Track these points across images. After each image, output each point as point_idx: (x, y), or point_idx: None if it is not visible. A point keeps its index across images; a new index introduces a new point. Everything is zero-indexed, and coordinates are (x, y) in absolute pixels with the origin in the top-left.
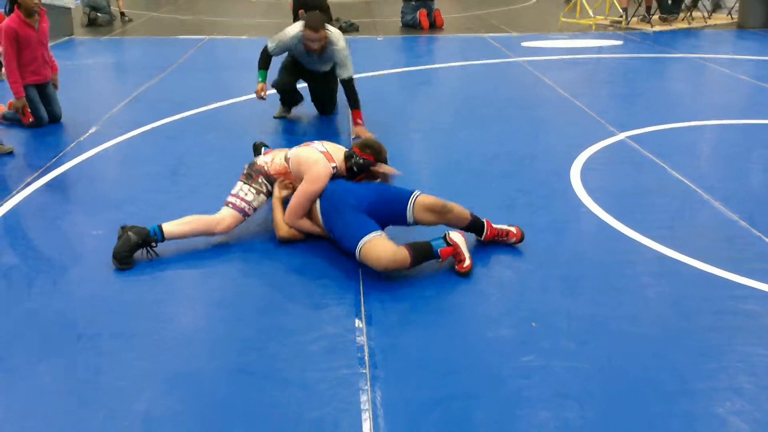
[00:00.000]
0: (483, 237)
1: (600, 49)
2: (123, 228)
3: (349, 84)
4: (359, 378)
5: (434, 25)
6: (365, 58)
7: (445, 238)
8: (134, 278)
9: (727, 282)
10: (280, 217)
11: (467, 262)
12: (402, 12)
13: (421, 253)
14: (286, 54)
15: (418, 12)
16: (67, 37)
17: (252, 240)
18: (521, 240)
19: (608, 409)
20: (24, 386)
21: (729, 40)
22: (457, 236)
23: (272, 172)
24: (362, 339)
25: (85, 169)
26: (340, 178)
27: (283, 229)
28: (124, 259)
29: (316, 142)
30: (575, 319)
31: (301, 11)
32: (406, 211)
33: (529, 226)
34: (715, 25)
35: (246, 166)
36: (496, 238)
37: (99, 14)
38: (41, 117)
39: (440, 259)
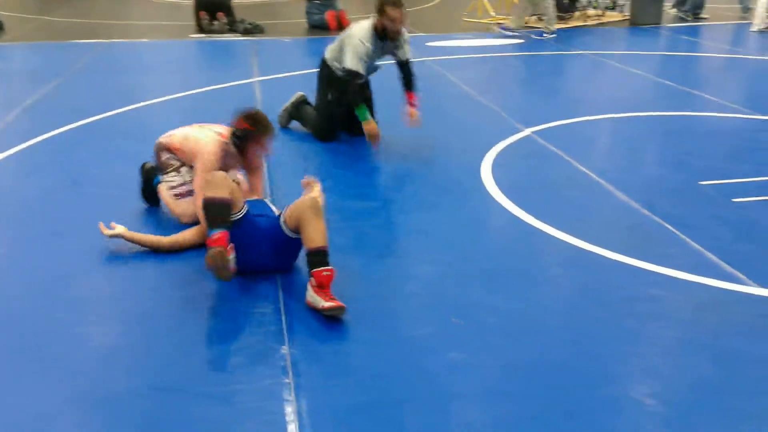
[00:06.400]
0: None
1: (503, 48)
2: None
3: (409, 65)
4: (283, 388)
5: (341, 26)
6: (273, 61)
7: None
8: (39, 298)
9: (634, 269)
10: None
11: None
12: (307, 12)
13: None
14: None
15: (326, 12)
16: None
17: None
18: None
19: (536, 400)
20: None
21: (623, 36)
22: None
23: (172, 146)
24: (284, 348)
25: None
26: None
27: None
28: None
29: (214, 125)
30: (495, 312)
31: (202, 12)
32: (282, 227)
33: (444, 223)
34: (609, 22)
35: (149, 165)
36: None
37: None
38: None
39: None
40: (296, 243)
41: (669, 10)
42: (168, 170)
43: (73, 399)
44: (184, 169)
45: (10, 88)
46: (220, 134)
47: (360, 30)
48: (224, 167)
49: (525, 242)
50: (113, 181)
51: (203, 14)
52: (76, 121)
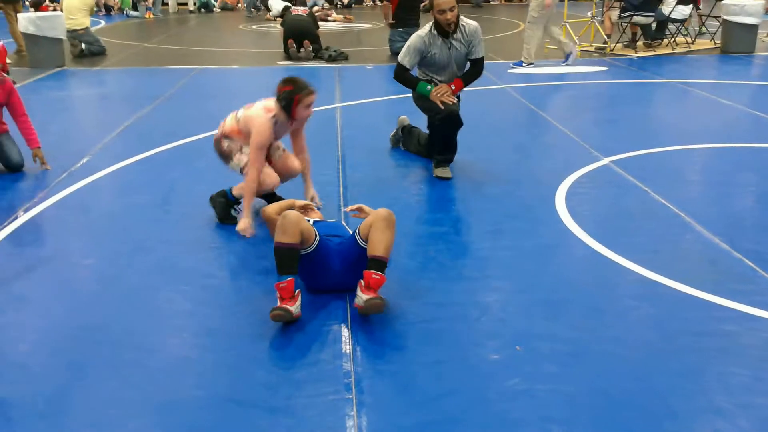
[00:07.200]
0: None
1: (585, 75)
2: (212, 198)
3: (480, 63)
4: (345, 404)
5: None
6: (355, 87)
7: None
8: (121, 308)
9: (708, 303)
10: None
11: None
12: (390, 40)
13: None
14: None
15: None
16: (58, 68)
17: (240, 268)
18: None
19: (592, 431)
20: (12, 415)
21: (712, 65)
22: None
23: (227, 132)
24: (349, 365)
25: (77, 199)
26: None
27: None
28: (227, 219)
29: (257, 102)
30: (559, 342)
31: (290, 41)
32: (357, 240)
33: (514, 250)
34: (698, 50)
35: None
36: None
37: (86, 46)
38: None
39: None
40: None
41: (764, 38)
42: (233, 155)
43: (140, 404)
44: (246, 149)
45: (110, 111)
46: (266, 108)
47: (419, 32)
48: (276, 136)
49: (595, 272)
50: (199, 201)
51: (291, 42)
52: (168, 143)
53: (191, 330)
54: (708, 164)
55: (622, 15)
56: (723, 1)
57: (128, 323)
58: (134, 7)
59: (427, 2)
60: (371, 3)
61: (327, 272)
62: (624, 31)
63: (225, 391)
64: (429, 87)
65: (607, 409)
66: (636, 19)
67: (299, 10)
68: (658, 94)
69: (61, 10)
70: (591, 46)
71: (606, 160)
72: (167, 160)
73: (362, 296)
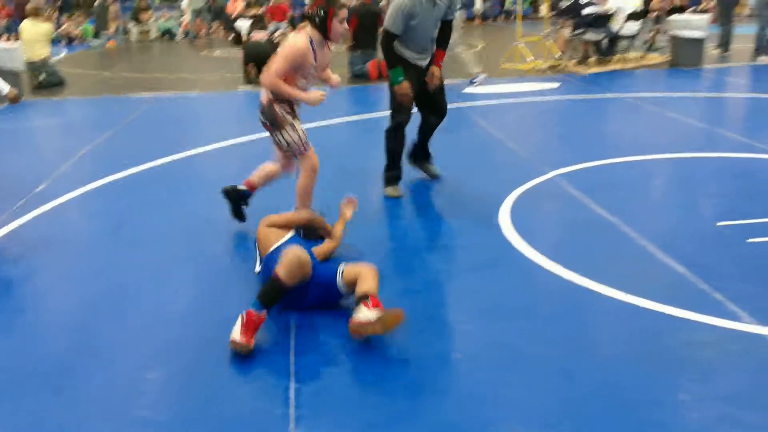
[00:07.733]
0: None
1: (538, 92)
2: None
3: (451, 25)
4: (287, 419)
5: (382, 76)
6: (313, 109)
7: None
8: (73, 332)
9: (636, 308)
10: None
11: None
12: (350, 63)
13: None
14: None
15: (367, 63)
16: None
17: (196, 293)
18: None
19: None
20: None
21: (661, 79)
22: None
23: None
24: (290, 382)
25: (32, 228)
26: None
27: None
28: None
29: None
30: (493, 348)
31: (249, 65)
32: (337, 279)
33: (458, 264)
34: (649, 65)
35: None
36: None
37: (45, 77)
38: None
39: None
40: (337, 293)
41: (711, 51)
42: (285, 126)
43: (94, 418)
44: (296, 123)
45: (67, 139)
46: (297, 33)
47: None
48: (314, 57)
49: (534, 283)
50: (154, 227)
51: (250, 67)
52: (124, 170)
53: (138, 350)
54: (648, 174)
55: (575, 32)
56: (671, 17)
57: (76, 342)
58: (96, 36)
59: None
60: None
61: (303, 299)
62: (576, 49)
63: (174, 410)
64: (401, 78)
65: (538, 409)
66: (588, 36)
67: (260, 36)
68: (607, 108)
69: (20, 42)
70: (544, 63)
71: (552, 174)
72: (124, 186)
73: (371, 312)
